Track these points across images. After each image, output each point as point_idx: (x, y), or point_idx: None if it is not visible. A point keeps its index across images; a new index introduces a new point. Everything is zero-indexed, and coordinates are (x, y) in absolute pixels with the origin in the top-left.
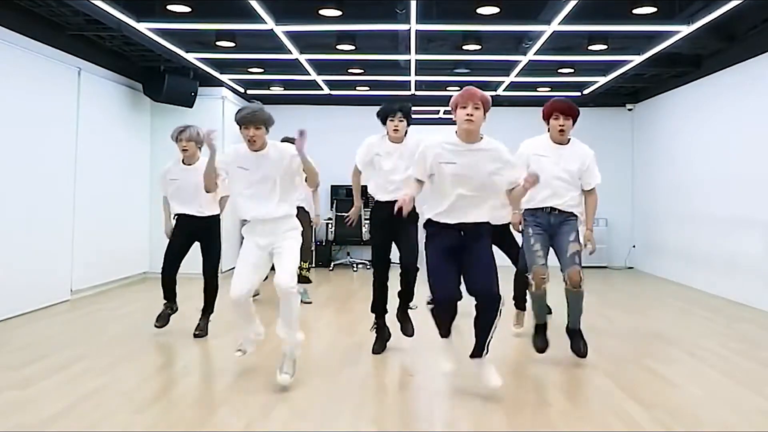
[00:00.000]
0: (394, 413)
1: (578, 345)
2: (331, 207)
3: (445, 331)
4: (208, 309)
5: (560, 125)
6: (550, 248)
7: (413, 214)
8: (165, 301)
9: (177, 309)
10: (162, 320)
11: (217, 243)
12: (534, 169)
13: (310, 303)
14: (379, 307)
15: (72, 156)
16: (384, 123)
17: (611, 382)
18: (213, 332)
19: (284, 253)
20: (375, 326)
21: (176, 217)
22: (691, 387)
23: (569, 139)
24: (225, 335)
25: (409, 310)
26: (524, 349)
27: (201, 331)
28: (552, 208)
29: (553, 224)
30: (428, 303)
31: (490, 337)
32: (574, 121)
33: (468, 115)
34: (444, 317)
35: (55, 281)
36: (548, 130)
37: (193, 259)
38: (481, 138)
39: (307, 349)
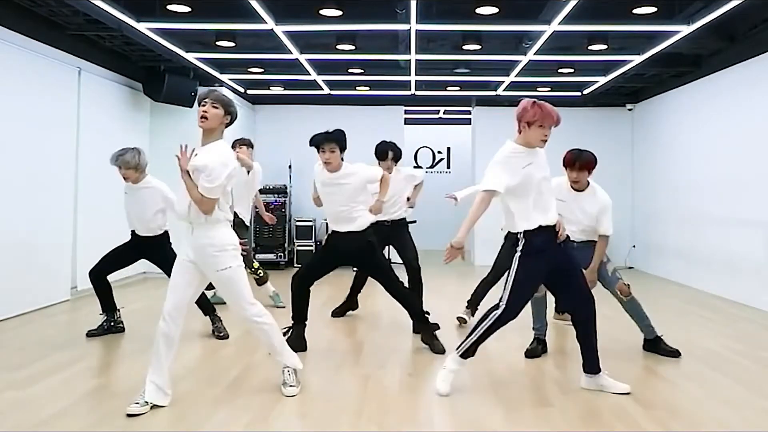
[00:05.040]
0: (394, 413)
1: (666, 349)
2: None
3: None
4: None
5: (573, 178)
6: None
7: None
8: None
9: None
10: (98, 331)
11: (170, 256)
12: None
13: (283, 307)
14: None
15: (72, 156)
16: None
17: None
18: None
19: (228, 285)
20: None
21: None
22: (691, 387)
23: (588, 184)
24: None
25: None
26: (524, 349)
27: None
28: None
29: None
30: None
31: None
32: (590, 172)
33: (545, 135)
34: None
35: (55, 281)
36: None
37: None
38: None
39: (307, 348)
